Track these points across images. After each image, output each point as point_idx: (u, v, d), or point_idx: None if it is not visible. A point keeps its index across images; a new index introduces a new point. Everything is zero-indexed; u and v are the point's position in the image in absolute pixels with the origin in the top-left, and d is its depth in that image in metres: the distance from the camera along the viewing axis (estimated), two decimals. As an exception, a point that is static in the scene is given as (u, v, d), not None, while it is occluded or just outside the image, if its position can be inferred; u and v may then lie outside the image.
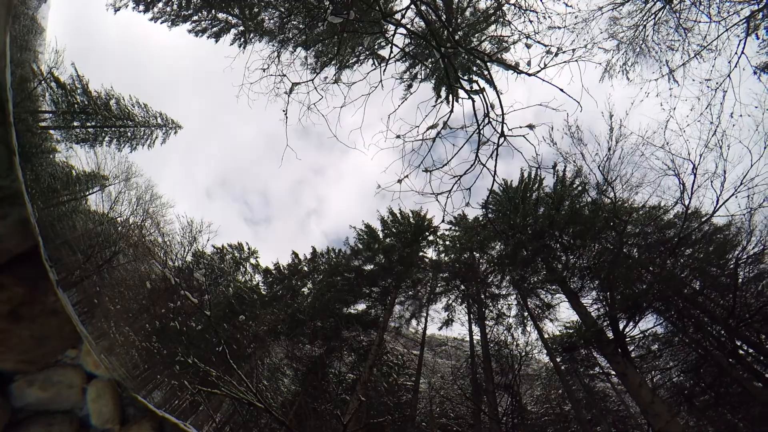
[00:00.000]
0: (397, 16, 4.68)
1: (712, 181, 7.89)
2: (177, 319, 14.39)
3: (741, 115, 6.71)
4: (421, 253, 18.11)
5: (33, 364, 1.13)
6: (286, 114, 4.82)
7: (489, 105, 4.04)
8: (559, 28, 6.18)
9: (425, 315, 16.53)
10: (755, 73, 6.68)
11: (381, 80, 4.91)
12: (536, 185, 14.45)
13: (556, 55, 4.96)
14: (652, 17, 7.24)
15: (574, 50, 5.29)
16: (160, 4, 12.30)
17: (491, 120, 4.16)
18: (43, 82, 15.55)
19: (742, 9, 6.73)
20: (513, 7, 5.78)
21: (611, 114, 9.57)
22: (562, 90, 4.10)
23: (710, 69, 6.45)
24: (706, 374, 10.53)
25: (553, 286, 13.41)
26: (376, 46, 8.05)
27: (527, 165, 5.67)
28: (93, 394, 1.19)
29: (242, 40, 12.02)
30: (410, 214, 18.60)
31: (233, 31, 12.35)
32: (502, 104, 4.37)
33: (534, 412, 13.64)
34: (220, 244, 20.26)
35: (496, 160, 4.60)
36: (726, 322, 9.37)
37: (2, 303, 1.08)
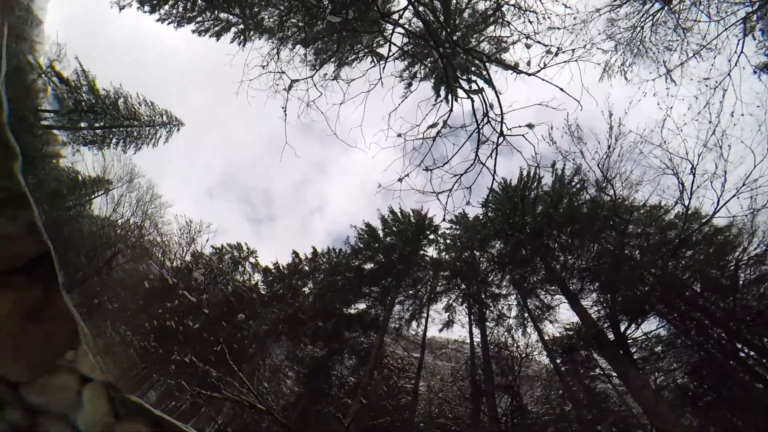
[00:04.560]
0: (395, 16, 4.70)
1: (712, 182, 7.86)
2: (174, 318, 14.37)
3: (743, 114, 6.66)
4: (421, 252, 18.07)
5: (38, 369, 1.17)
6: (285, 111, 4.81)
7: (488, 105, 4.05)
8: (559, 28, 6.20)
9: (425, 315, 16.46)
10: (755, 72, 6.67)
11: (381, 77, 4.92)
12: (535, 183, 14.43)
13: (556, 55, 4.96)
14: (649, 18, 7.26)
15: (573, 50, 5.30)
16: (167, 6, 12.56)
17: (490, 120, 4.16)
18: (43, 75, 14.59)
19: (738, 10, 6.74)
20: (512, 8, 5.81)
21: (611, 113, 9.58)
22: (561, 89, 4.10)
23: (709, 68, 6.46)
24: (709, 376, 10.43)
25: (553, 287, 13.36)
26: (374, 45, 8.08)
27: (527, 164, 5.67)
28: (88, 396, 1.24)
29: (242, 38, 12.25)
30: (411, 213, 18.58)
31: (233, 29, 12.57)
32: (501, 104, 4.38)
33: (534, 413, 13.55)
34: (219, 244, 20.29)
35: (495, 159, 4.59)
36: (727, 324, 9.29)
37: (18, 305, 1.12)
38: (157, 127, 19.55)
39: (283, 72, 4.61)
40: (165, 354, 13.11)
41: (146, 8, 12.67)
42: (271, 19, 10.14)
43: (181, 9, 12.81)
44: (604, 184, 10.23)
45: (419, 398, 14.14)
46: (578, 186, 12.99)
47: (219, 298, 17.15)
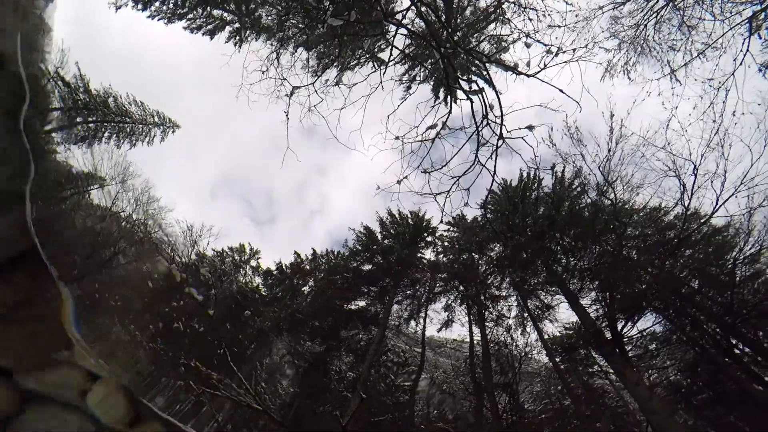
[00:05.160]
0: (398, 17, 4.64)
1: (712, 182, 7.85)
2: (180, 319, 14.45)
3: (743, 113, 6.63)
4: (419, 254, 18.06)
5: (26, 362, 1.16)
6: (287, 116, 4.77)
7: (488, 106, 4.01)
8: (559, 26, 6.12)
9: (424, 315, 16.52)
10: (760, 70, 6.61)
11: (381, 81, 4.87)
12: (535, 185, 14.39)
13: (557, 55, 4.89)
14: (653, 15, 7.17)
15: (574, 50, 5.23)
16: (157, 3, 12.42)
17: (490, 122, 4.13)
18: (51, 81, 15.74)
19: (744, 9, 6.66)
20: (513, 5, 5.73)
21: (612, 114, 9.49)
22: (561, 91, 4.04)
23: (714, 68, 6.40)
24: (703, 372, 10.57)
25: (553, 288, 13.40)
26: (375, 49, 8.00)
27: (526, 166, 5.66)
28: (99, 394, 1.19)
29: (237, 38, 12.07)
30: (409, 215, 18.50)
31: (228, 28, 12.41)
32: (502, 105, 4.33)
33: (532, 410, 13.70)
34: (220, 248, 20.14)
35: (495, 161, 4.56)
36: (722, 318, 9.38)
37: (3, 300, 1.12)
38: (150, 126, 19.48)
39: (284, 79, 4.58)
40: (173, 357, 13.22)
41: (139, 6, 12.62)
42: (269, 17, 10.00)
43: (171, 5, 12.79)
44: (605, 188, 10.19)
45: (421, 393, 14.25)
46: (579, 190, 12.95)
47: (226, 294, 17.25)
